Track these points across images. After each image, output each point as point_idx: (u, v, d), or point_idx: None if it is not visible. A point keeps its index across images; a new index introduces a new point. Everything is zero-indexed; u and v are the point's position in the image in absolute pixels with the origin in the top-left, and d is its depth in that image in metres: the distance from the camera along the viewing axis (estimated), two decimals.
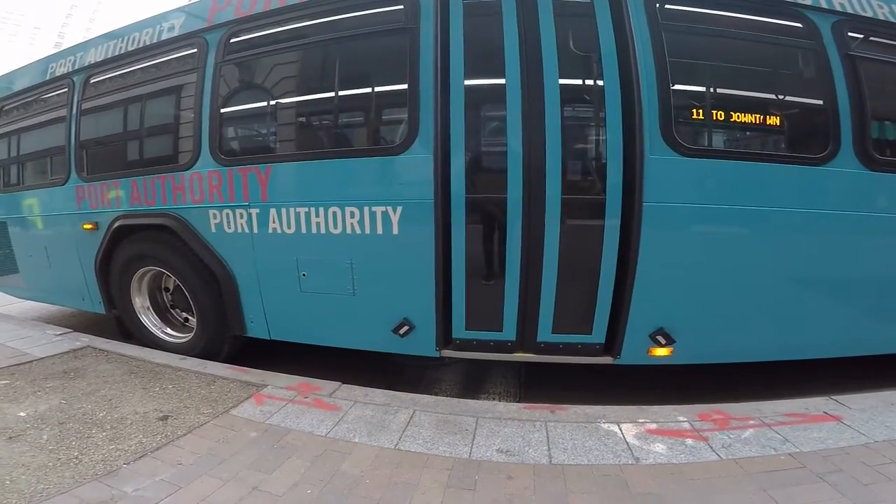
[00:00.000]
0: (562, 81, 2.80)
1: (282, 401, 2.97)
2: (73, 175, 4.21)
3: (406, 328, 3.13)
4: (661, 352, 2.97)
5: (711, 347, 3.06)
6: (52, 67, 4.47)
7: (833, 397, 2.83)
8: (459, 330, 3.10)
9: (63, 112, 4.29)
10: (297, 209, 3.23)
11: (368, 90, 3.29)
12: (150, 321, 4.22)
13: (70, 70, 4.28)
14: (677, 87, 2.79)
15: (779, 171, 2.78)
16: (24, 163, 4.93)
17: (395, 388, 3.24)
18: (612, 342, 2.99)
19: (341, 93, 3.28)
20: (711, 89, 2.90)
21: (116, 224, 3.95)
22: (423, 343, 3.14)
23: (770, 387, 3.21)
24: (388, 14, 3.03)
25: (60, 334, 4.37)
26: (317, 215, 3.18)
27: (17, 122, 4.87)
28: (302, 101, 3.48)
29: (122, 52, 3.91)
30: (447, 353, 3.14)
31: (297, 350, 3.59)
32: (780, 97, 2.96)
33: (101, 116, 4.12)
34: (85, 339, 4.22)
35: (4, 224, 4.95)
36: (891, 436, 2.43)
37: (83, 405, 2.97)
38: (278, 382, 3.24)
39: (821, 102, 2.85)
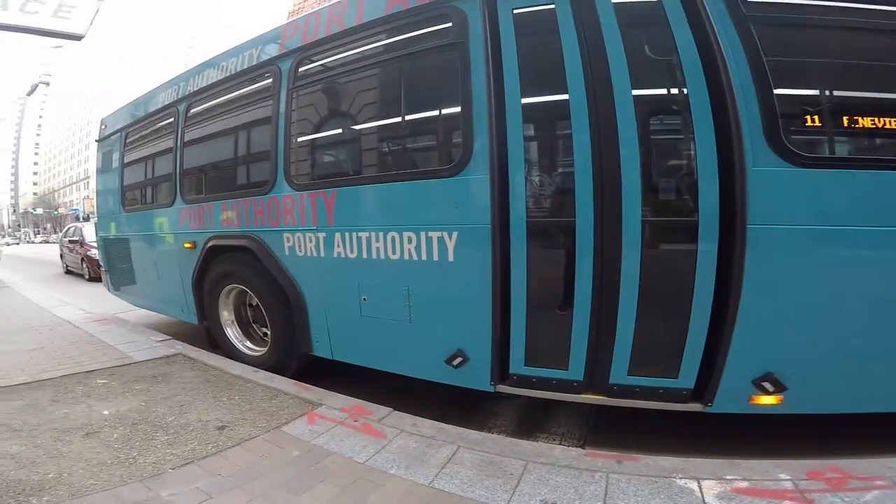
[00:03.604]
0: (635, 92, 2.50)
1: (332, 422, 2.95)
2: (178, 198, 4.67)
3: (460, 359, 2.97)
4: (768, 400, 2.46)
5: (833, 396, 2.49)
6: (161, 97, 5.04)
7: None
8: (518, 365, 2.86)
9: (171, 137, 4.81)
10: (359, 234, 3.25)
11: (422, 110, 3.25)
12: (234, 334, 4.51)
13: (175, 99, 4.80)
14: (784, 83, 2.36)
15: None
16: (142, 186, 5.61)
17: (449, 417, 3.10)
18: (704, 388, 2.54)
19: (395, 115, 3.29)
20: (829, 87, 2.42)
21: (210, 244, 4.30)
22: (477, 376, 2.94)
23: None
24: (441, 32, 2.96)
25: (161, 340, 4.82)
26: (377, 240, 3.17)
27: (137, 149, 5.57)
28: (359, 124, 3.53)
29: (213, 81, 4.31)
30: (503, 388, 2.90)
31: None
32: None
33: (200, 141, 4.55)
34: (179, 347, 4.60)
35: (127, 241, 5.64)
36: None
37: (158, 408, 3.18)
38: (334, 403, 3.23)
39: None
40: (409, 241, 3.03)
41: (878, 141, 2.42)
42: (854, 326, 2.34)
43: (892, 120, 2.28)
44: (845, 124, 2.35)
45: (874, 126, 2.30)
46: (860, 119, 2.30)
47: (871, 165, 2.27)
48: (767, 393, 2.45)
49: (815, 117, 2.39)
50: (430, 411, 3.11)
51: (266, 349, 4.18)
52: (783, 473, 2.20)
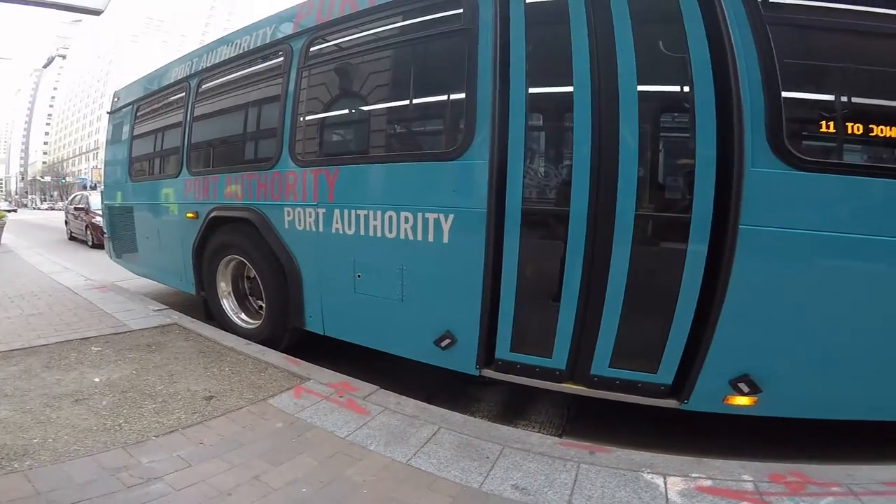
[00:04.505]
0: (640, 87, 2.48)
1: (318, 396, 3.00)
2: (185, 169, 4.72)
3: (448, 341, 3.00)
4: (742, 401, 2.48)
5: (807, 402, 2.50)
6: (174, 72, 5.09)
7: None
8: (503, 350, 2.89)
9: (181, 111, 4.85)
10: (358, 211, 3.29)
11: (428, 94, 3.28)
12: (230, 306, 4.57)
13: (187, 74, 4.84)
14: (792, 85, 2.34)
15: None
16: (150, 157, 5.68)
17: (435, 398, 3.13)
18: (682, 384, 2.56)
19: (401, 98, 3.33)
20: (836, 92, 2.40)
21: (212, 215, 4.36)
22: (463, 359, 2.99)
23: None
24: (452, 17, 2.97)
25: (157, 310, 4.88)
26: (374, 218, 3.21)
27: (147, 121, 5.63)
28: (365, 105, 3.57)
29: (226, 58, 4.36)
30: (488, 373, 2.94)
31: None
32: None
33: (209, 116, 4.59)
34: (175, 317, 4.66)
35: (131, 209, 5.71)
36: None
37: (149, 377, 3.23)
38: (321, 378, 3.28)
39: None
40: (406, 220, 3.06)
41: (881, 148, 2.39)
42: (835, 334, 2.35)
43: None
44: (850, 130, 2.32)
45: (879, 134, 2.27)
46: (864, 126, 2.27)
47: (871, 173, 2.24)
48: (742, 394, 2.46)
49: (820, 121, 2.38)
50: (417, 394, 3.13)
51: (260, 322, 4.24)
52: (746, 475, 2.22)
